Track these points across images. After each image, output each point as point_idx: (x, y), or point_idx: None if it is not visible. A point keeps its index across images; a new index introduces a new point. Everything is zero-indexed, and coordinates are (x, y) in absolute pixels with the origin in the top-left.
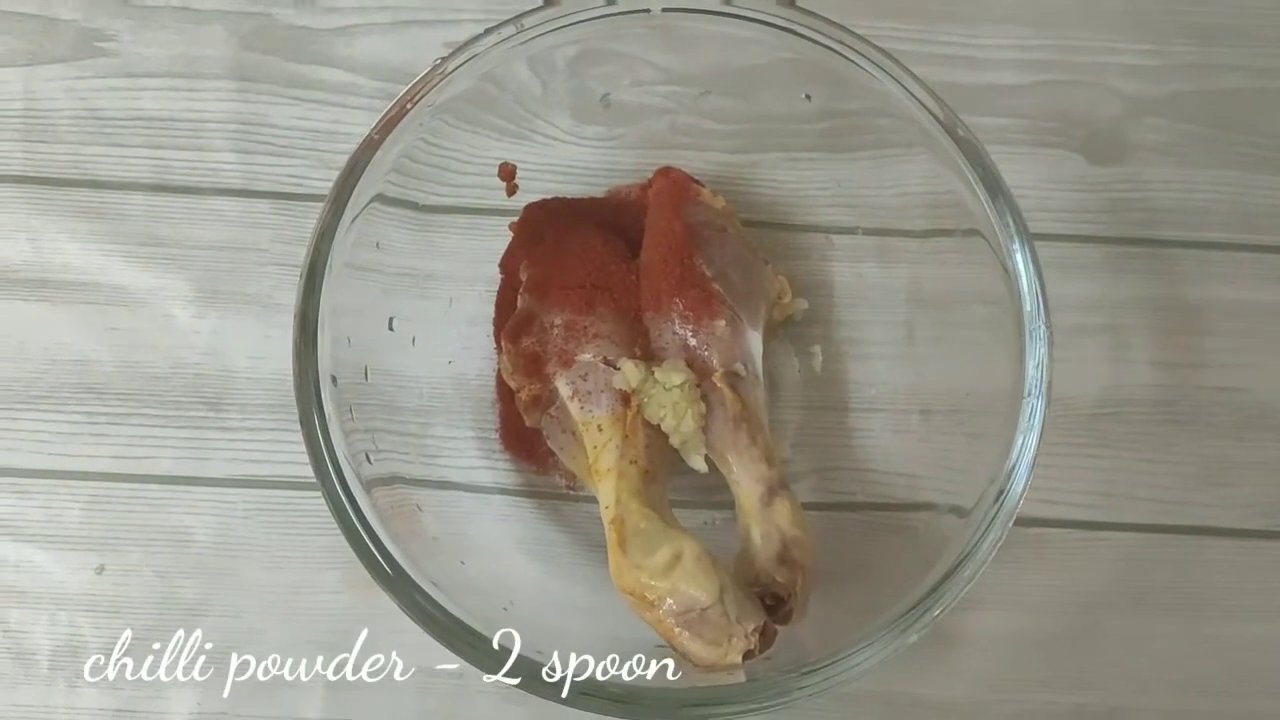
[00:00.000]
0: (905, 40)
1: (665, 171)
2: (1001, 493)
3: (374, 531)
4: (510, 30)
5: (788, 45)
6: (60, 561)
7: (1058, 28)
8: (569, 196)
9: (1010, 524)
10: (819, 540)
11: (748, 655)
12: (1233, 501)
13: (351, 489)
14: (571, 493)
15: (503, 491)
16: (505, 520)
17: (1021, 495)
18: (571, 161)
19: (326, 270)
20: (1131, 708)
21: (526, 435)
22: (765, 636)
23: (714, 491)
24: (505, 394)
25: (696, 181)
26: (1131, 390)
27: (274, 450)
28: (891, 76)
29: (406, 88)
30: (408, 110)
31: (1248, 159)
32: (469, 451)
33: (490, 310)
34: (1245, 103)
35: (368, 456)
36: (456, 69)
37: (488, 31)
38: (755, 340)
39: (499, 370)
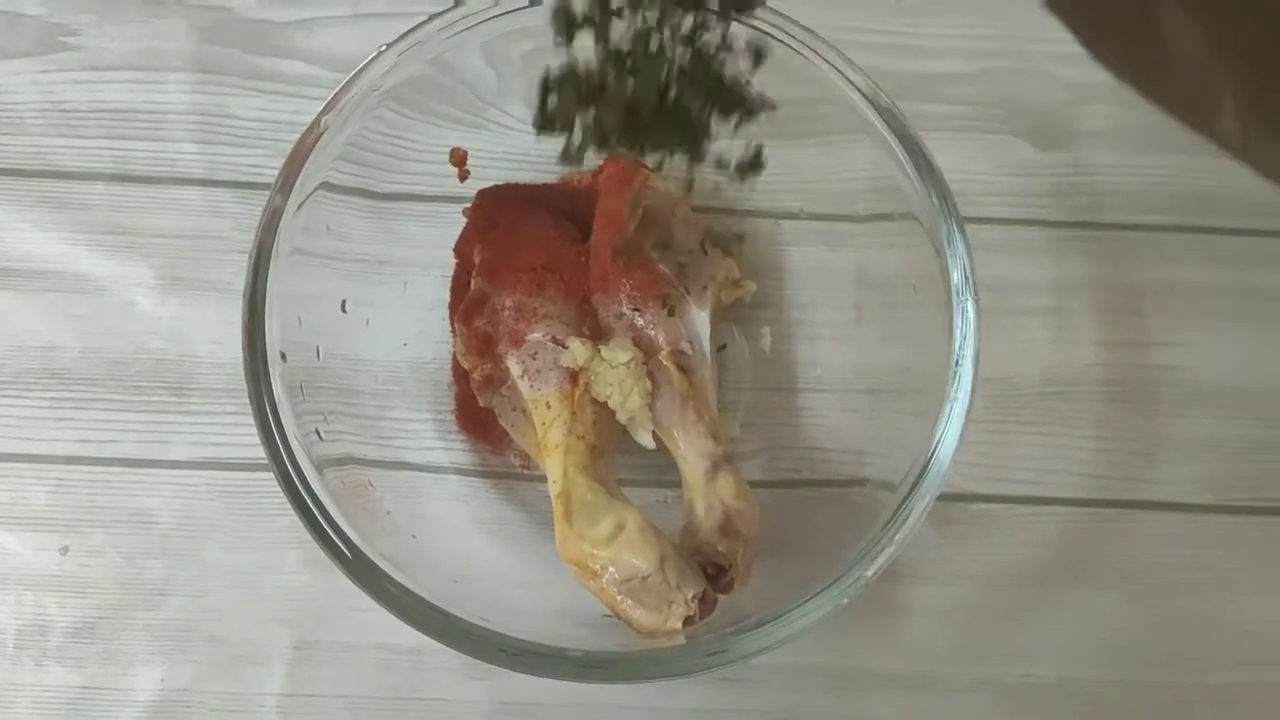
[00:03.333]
0: (852, 30)
1: (615, 158)
2: (930, 458)
3: (325, 508)
4: (452, 18)
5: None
6: (26, 543)
7: (1002, 16)
8: (523, 183)
9: (940, 487)
10: (765, 516)
11: (688, 622)
12: (1177, 477)
13: (301, 465)
14: (526, 472)
15: (458, 471)
16: (461, 499)
17: (950, 459)
18: (526, 149)
19: (274, 254)
20: (1078, 678)
21: (482, 416)
22: (705, 604)
23: (668, 470)
24: (461, 376)
25: (646, 167)
26: (1076, 369)
27: (234, 433)
28: (829, 63)
29: (349, 75)
30: (348, 96)
31: (1188, 143)
32: (426, 433)
33: (446, 294)
34: None
35: (319, 433)
36: (399, 56)
37: (430, 19)
38: (702, 320)
39: (454, 352)
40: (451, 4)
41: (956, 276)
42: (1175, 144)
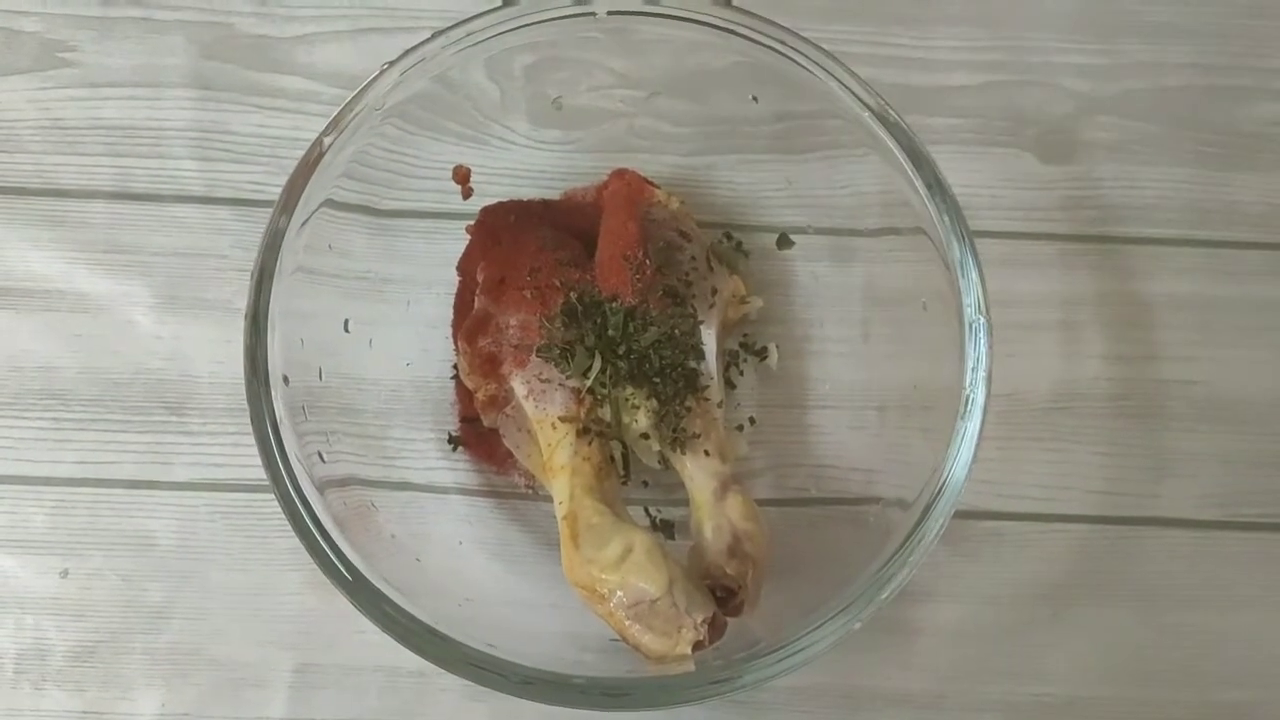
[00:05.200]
0: (857, 43)
1: (620, 173)
2: (944, 479)
3: (326, 530)
4: (457, 34)
5: (737, 49)
6: (25, 566)
7: (1008, 28)
8: (525, 199)
9: (953, 508)
10: (774, 535)
11: (698, 646)
12: (1187, 493)
13: (302, 486)
14: (531, 492)
15: (462, 492)
16: (465, 520)
17: (963, 480)
18: (529, 165)
19: (276, 273)
20: (1089, 698)
21: (486, 436)
22: (715, 628)
23: (675, 490)
24: (464, 395)
25: (650, 183)
26: (1085, 384)
27: (235, 454)
28: (834, 78)
29: (353, 93)
30: (351, 114)
31: (1197, 155)
32: (429, 453)
33: (449, 313)
34: (1194, 100)
35: (321, 455)
36: (402, 73)
37: (434, 35)
38: (710, 338)
39: (458, 372)
40: (500, 3)
41: (969, 297)
42: (1182, 156)
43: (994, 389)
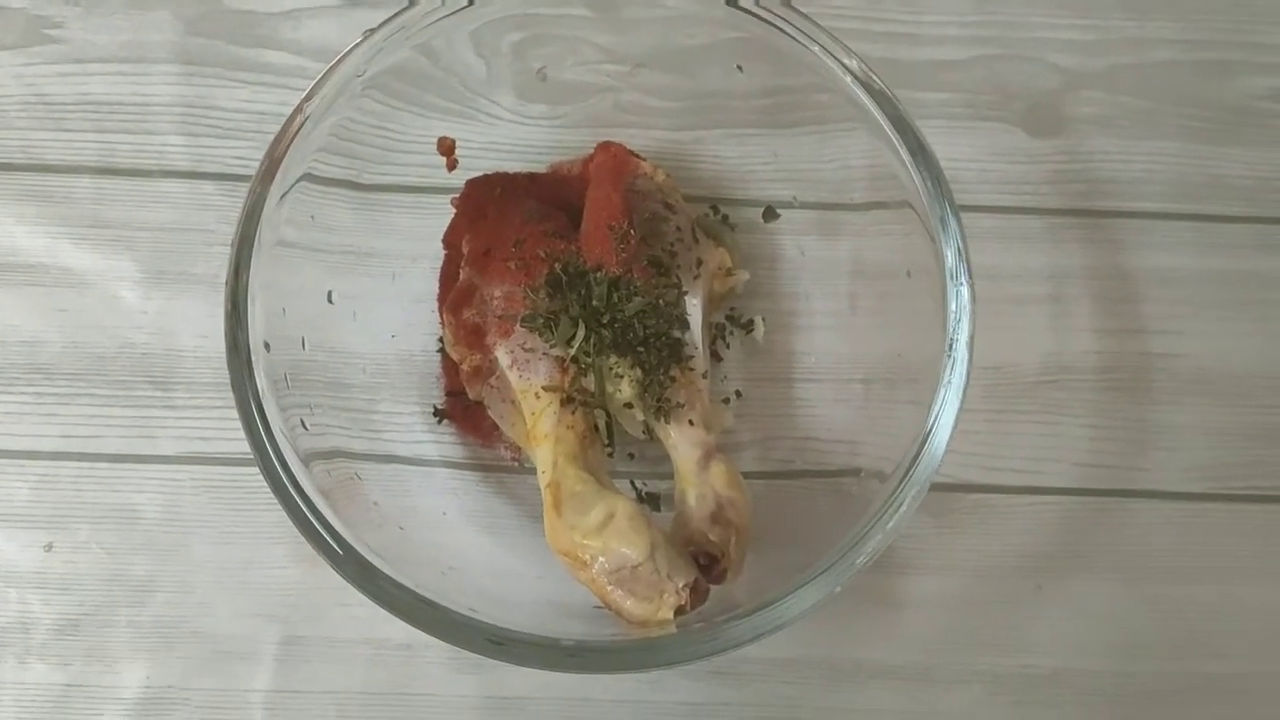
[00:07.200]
0: (848, 18)
1: (605, 146)
2: (926, 438)
3: (311, 501)
4: (436, 1)
5: (724, 21)
6: (9, 540)
7: (997, 3)
8: (511, 172)
9: (935, 469)
10: (758, 506)
11: (679, 611)
12: (1174, 465)
13: (286, 457)
14: (516, 465)
15: (447, 464)
16: (450, 492)
17: (946, 440)
18: (515, 140)
19: (256, 244)
20: (1075, 669)
21: (472, 409)
22: (697, 593)
23: (661, 461)
24: (450, 368)
25: (636, 156)
26: (1073, 357)
27: (221, 427)
28: (825, 50)
29: (334, 60)
30: (328, 83)
31: (1184, 130)
32: (415, 426)
33: (434, 286)
34: (1181, 75)
35: (304, 424)
36: (382, 41)
37: (414, 2)
38: (695, 308)
39: (443, 344)
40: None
41: (950, 258)
42: (1170, 131)
43: (981, 362)
